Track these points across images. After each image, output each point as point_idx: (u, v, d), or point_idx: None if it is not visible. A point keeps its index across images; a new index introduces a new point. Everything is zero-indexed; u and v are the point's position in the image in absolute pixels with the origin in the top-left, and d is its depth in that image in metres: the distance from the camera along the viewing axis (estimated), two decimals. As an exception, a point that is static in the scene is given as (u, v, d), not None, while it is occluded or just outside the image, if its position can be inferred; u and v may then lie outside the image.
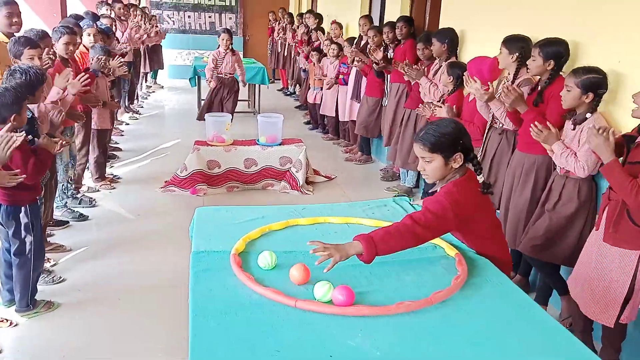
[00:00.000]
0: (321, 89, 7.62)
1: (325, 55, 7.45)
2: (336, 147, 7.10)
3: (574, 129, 2.91)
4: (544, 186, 3.25)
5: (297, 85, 10.49)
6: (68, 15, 5.81)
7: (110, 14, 7.31)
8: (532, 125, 2.95)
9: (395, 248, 1.95)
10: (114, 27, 6.78)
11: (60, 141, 2.97)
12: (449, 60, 4.37)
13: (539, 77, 3.34)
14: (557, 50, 3.16)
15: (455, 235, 2.28)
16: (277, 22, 11.26)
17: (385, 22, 6.48)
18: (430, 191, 2.40)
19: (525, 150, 3.33)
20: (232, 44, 7.29)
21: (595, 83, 2.80)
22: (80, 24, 5.01)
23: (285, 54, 10.71)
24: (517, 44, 3.49)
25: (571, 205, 2.95)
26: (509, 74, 3.63)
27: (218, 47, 7.36)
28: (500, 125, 3.59)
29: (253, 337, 1.57)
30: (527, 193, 3.27)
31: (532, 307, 1.82)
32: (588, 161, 2.81)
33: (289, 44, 10.29)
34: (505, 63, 3.58)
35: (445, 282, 1.90)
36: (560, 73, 3.22)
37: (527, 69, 3.53)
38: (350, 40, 6.79)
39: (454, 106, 4.12)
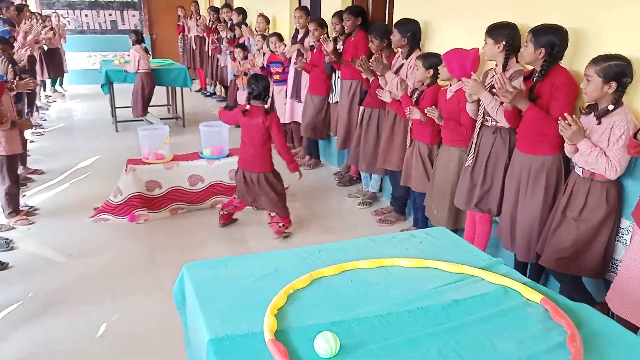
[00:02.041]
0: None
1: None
2: (277, 151, 6.55)
3: (599, 124, 2.60)
4: (555, 190, 2.95)
5: (219, 84, 9.78)
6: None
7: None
8: (560, 118, 2.58)
9: None
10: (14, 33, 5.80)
11: None
12: (422, 54, 3.97)
13: (532, 67, 3.02)
14: (549, 38, 2.84)
15: None
16: (189, 18, 10.42)
17: (321, 14, 6.05)
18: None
19: (529, 151, 3.00)
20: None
21: (619, 71, 2.50)
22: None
23: (202, 52, 9.94)
24: (503, 32, 3.15)
25: (599, 211, 2.65)
26: (496, 65, 3.29)
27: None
28: (493, 122, 3.25)
29: None
30: (539, 198, 2.95)
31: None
32: (621, 161, 2.52)
33: (208, 41, 9.51)
34: (491, 54, 3.23)
35: (555, 345, 1.47)
36: (559, 63, 2.92)
37: (517, 58, 3.24)
38: (279, 37, 6.26)
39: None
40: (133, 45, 7.24)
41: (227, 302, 1.72)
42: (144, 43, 7.52)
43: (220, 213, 4.32)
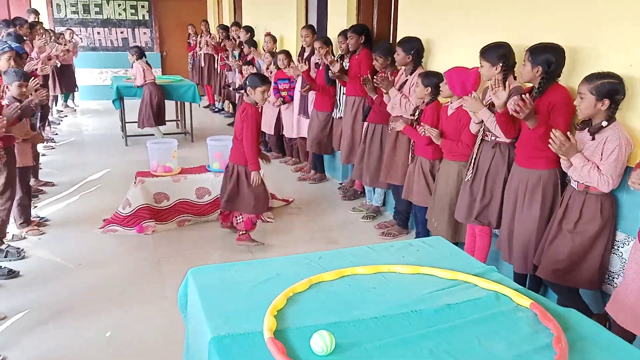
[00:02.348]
0: (257, 105, 7.18)
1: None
2: (285, 166, 6.66)
3: (593, 139, 2.68)
4: (552, 203, 3.01)
5: (227, 101, 9.93)
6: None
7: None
8: (553, 135, 2.66)
9: None
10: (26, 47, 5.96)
11: None
12: (423, 71, 4.07)
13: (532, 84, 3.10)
14: (546, 56, 2.92)
15: None
16: (199, 36, 10.63)
17: (327, 32, 6.19)
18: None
19: (527, 165, 3.07)
20: None
21: (611, 89, 2.59)
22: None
23: (211, 69, 10.11)
24: (498, 52, 3.23)
25: (594, 223, 2.72)
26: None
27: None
28: (493, 137, 3.33)
29: None
30: (536, 212, 3.01)
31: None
32: (613, 175, 2.59)
33: (217, 58, 9.68)
34: (489, 75, 3.30)
35: (542, 346, 1.54)
36: (557, 81, 3.00)
37: (515, 76, 3.33)
38: (287, 54, 6.38)
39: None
40: (137, 60, 7.45)
41: (230, 304, 1.80)
42: (146, 57, 7.70)
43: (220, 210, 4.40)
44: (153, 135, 7.54)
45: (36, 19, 8.81)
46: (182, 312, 2.10)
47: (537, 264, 2.97)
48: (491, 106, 3.23)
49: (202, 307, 1.77)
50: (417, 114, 4.03)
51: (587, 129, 2.73)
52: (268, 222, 4.75)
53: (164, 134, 7.75)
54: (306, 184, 5.97)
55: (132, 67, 7.51)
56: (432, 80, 3.83)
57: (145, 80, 7.39)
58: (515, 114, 2.87)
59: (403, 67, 4.39)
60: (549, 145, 2.71)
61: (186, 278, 2.05)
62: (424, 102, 3.97)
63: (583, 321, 1.72)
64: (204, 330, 1.66)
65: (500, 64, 3.20)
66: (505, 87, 3.03)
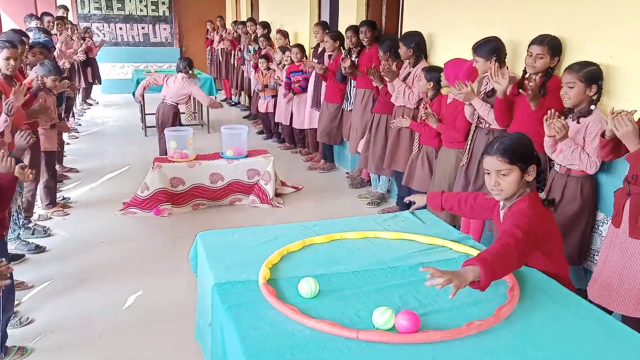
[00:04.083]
0: (272, 97, 7.45)
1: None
2: (296, 156, 6.92)
3: (578, 123, 2.88)
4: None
5: (243, 94, 10.22)
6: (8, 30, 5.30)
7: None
8: (551, 116, 2.76)
9: (508, 270, 1.80)
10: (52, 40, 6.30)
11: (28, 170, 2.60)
12: (426, 66, 4.29)
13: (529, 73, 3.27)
14: (558, 43, 3.14)
15: (533, 258, 2.07)
16: (216, 31, 10.94)
17: (339, 27, 6.41)
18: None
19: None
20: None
21: (596, 74, 2.80)
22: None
23: (228, 63, 10.40)
24: (489, 47, 3.45)
25: (574, 204, 2.92)
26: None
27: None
28: (487, 125, 3.54)
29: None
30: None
31: (594, 311, 1.73)
32: (598, 157, 2.78)
33: (233, 53, 9.96)
34: (484, 70, 3.53)
35: (498, 295, 1.77)
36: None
37: (507, 67, 3.54)
38: (301, 48, 6.62)
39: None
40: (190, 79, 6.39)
41: (232, 259, 2.06)
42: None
43: None
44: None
45: (64, 15, 9.20)
46: (194, 271, 2.36)
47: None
48: (485, 97, 3.46)
49: (207, 261, 2.04)
50: (421, 105, 4.24)
51: (569, 116, 2.93)
52: (277, 206, 5.01)
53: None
54: (316, 172, 6.22)
55: (175, 80, 6.31)
56: (434, 75, 4.04)
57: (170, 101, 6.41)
58: (525, 92, 3.04)
59: (407, 60, 4.61)
60: (545, 126, 2.83)
61: (195, 240, 2.32)
62: (427, 95, 4.18)
63: (539, 276, 1.94)
64: (209, 280, 1.92)
65: (494, 58, 3.42)
66: (505, 75, 3.21)
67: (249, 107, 9.63)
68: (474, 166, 3.61)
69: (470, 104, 3.55)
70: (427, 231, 2.36)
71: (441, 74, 3.99)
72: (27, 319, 3.10)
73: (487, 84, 3.59)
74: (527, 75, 3.24)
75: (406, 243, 2.24)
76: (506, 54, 3.46)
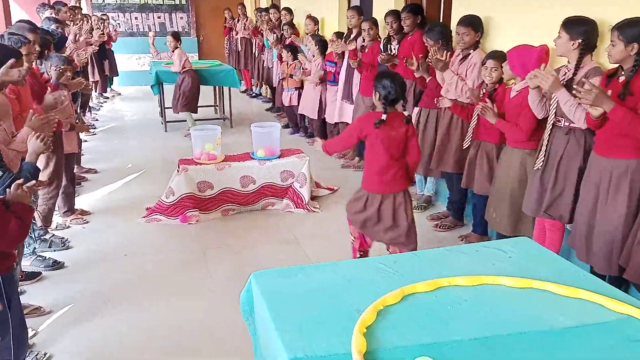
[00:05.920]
0: (296, 90, 6.98)
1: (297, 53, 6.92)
2: (326, 153, 6.44)
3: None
4: (640, 196, 2.72)
5: (264, 85, 9.76)
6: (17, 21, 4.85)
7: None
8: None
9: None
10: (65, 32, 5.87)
11: (34, 185, 2.19)
12: (490, 51, 3.79)
13: (617, 65, 2.79)
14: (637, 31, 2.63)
15: None
16: (236, 20, 10.45)
17: (373, 13, 5.91)
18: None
19: (611, 155, 2.75)
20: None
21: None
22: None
23: (248, 53, 9.93)
24: (581, 28, 2.94)
25: None
26: (569, 62, 3.09)
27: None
28: (566, 123, 3.04)
29: None
30: (622, 207, 2.69)
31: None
32: None
33: (254, 42, 9.48)
34: (564, 50, 3.02)
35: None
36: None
37: (592, 56, 3.03)
38: (339, 35, 6.14)
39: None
40: (179, 46, 7.19)
41: (302, 315, 1.59)
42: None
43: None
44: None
45: (77, 4, 8.77)
46: (245, 319, 1.92)
47: (623, 265, 2.69)
48: (567, 88, 2.95)
49: (272, 319, 1.57)
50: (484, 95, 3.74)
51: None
52: (314, 211, 4.57)
53: (202, 119, 7.61)
54: (350, 171, 5.76)
55: (172, 52, 7.26)
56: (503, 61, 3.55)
57: (185, 67, 7.20)
58: (583, 98, 2.61)
59: (459, 49, 4.11)
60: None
61: (249, 283, 1.86)
62: (488, 83, 3.69)
63: None
64: (278, 347, 1.47)
65: (580, 40, 2.92)
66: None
67: (271, 99, 9.18)
68: (551, 171, 3.12)
69: (544, 95, 3.07)
70: (554, 275, 1.85)
71: (504, 63, 3.51)
72: (45, 354, 2.70)
73: (565, 74, 3.09)
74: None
75: (535, 294, 1.73)
76: (595, 44, 2.97)
